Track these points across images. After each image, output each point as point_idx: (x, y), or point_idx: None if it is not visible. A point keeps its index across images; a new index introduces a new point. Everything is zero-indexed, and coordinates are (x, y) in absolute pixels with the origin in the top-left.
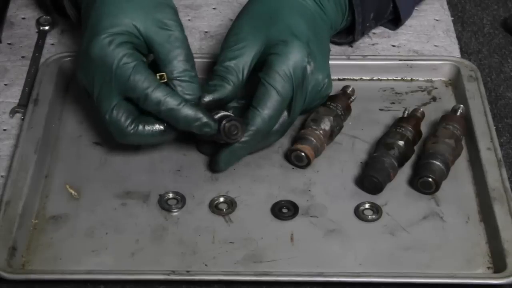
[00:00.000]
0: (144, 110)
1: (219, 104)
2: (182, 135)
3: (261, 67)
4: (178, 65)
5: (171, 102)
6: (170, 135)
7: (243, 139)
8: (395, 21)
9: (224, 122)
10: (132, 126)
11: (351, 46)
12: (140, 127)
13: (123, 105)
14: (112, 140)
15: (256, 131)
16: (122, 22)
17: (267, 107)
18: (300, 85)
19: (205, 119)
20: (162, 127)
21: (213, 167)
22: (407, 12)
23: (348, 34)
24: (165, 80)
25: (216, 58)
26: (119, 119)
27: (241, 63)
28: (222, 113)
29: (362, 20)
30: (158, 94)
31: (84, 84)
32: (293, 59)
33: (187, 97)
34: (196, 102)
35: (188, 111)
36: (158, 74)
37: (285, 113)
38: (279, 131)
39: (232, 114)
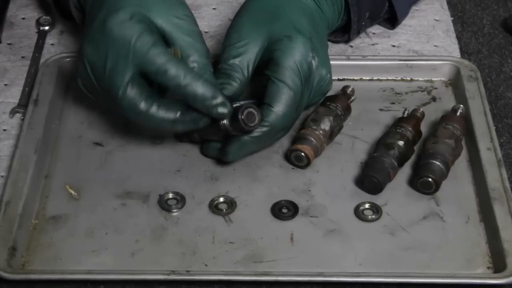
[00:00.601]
0: (157, 90)
1: None
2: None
3: (265, 64)
4: (200, 59)
5: (191, 76)
6: (180, 126)
7: (255, 134)
8: (392, 21)
9: (242, 109)
10: (146, 104)
11: (351, 46)
12: (154, 108)
13: (137, 81)
14: (112, 140)
15: (270, 127)
16: (142, 11)
17: (281, 104)
18: (307, 80)
19: (221, 99)
20: (175, 115)
21: (222, 157)
22: (403, 11)
23: (343, 33)
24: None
25: (216, 58)
26: (133, 95)
27: (245, 60)
28: (237, 103)
29: (358, 19)
30: (178, 68)
31: (93, 60)
32: (298, 54)
33: None
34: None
35: (206, 88)
36: (173, 48)
37: None
38: (285, 127)
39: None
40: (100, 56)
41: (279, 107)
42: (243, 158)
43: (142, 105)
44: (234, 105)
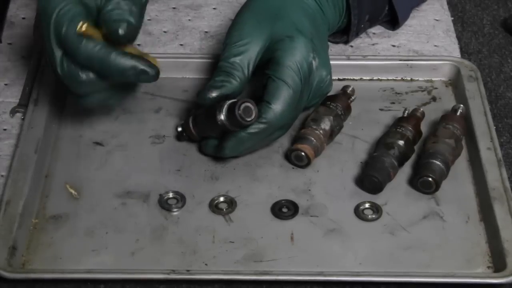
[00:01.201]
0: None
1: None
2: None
3: (265, 64)
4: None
5: (102, 56)
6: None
7: (252, 130)
8: (392, 23)
9: (238, 104)
10: (85, 74)
11: (351, 46)
12: (92, 75)
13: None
14: (112, 140)
15: (268, 125)
16: None
17: (280, 101)
18: (307, 80)
19: (142, 66)
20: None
21: (219, 152)
22: (404, 14)
23: (342, 34)
24: (84, 30)
25: (217, 58)
26: (70, 70)
27: (246, 58)
28: (232, 100)
29: (357, 22)
30: (87, 50)
31: (43, 44)
32: (299, 54)
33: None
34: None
35: (123, 62)
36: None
37: None
38: (283, 126)
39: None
40: (42, 38)
41: (278, 104)
42: (241, 155)
43: (82, 77)
44: (231, 101)
